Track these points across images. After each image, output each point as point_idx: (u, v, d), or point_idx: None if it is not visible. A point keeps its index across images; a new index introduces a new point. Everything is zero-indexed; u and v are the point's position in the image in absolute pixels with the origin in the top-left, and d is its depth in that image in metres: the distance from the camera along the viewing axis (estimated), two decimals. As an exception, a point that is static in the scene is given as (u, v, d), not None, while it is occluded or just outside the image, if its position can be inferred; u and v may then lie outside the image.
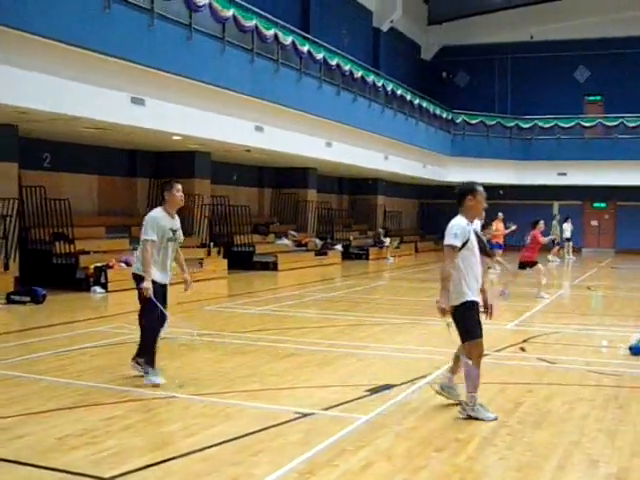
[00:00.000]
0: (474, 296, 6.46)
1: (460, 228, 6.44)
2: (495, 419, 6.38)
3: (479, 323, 6.50)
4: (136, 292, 7.69)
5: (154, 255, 7.55)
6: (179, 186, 7.74)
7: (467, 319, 6.45)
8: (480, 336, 6.48)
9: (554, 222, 30.95)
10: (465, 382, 6.50)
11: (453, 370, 6.92)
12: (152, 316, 7.53)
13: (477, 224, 22.15)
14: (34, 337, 10.49)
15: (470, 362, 6.44)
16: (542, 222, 16.42)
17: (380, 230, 31.04)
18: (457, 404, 6.66)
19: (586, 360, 9.31)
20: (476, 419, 6.36)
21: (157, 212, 7.68)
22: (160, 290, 7.60)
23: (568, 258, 30.66)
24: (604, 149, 34.69)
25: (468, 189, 6.68)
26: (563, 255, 30.84)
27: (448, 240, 6.40)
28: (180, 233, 7.83)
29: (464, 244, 6.41)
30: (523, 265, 16.01)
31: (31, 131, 16.22)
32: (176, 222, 7.78)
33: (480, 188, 6.65)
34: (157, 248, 7.57)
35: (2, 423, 6.13)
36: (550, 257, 29.25)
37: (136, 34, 14.81)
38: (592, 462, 5.41)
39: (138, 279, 7.61)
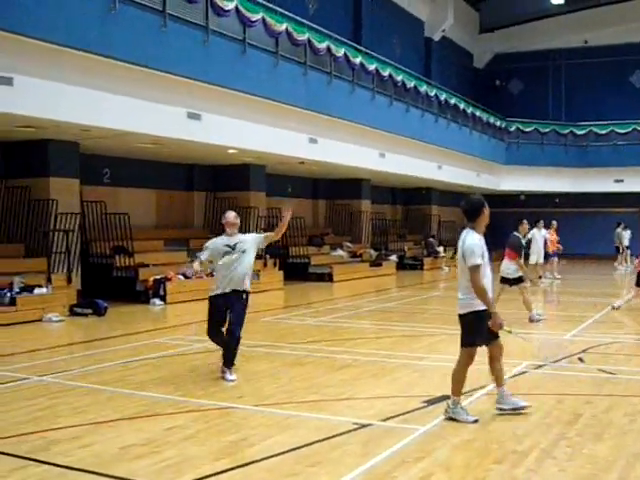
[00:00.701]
0: (483, 305, 6.61)
1: (478, 247, 6.66)
2: (475, 422, 6.54)
3: (483, 332, 6.67)
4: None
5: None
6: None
7: (473, 327, 6.68)
8: (478, 345, 6.77)
9: (618, 230, 30.19)
10: (452, 384, 6.75)
11: (497, 383, 7.03)
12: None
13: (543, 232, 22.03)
14: (97, 348, 10.76)
15: (458, 367, 6.79)
16: None
17: (431, 240, 30.85)
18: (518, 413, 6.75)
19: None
20: (456, 421, 6.54)
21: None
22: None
23: (626, 266, 29.92)
24: (662, 154, 33.95)
25: (481, 204, 6.92)
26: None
27: (473, 261, 6.58)
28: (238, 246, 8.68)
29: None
30: None
31: (92, 148, 16.63)
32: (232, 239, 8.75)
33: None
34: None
35: (68, 432, 6.31)
36: (616, 264, 28.78)
37: (191, 50, 15.09)
38: (654, 475, 5.34)
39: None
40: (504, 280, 13.75)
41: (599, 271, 28.52)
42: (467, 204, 6.95)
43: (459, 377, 6.77)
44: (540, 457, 5.70)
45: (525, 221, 15.23)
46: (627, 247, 30.86)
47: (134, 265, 16.86)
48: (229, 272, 8.51)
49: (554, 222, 23.09)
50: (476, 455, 5.75)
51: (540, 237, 22.03)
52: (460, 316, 6.78)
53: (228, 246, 8.61)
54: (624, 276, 26.17)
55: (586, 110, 37.22)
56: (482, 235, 6.87)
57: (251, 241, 8.84)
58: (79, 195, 16.25)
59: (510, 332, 6.71)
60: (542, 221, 22.60)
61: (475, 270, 6.56)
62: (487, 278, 6.72)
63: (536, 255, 21.89)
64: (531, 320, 13.38)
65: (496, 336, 6.78)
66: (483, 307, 6.60)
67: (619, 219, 31.33)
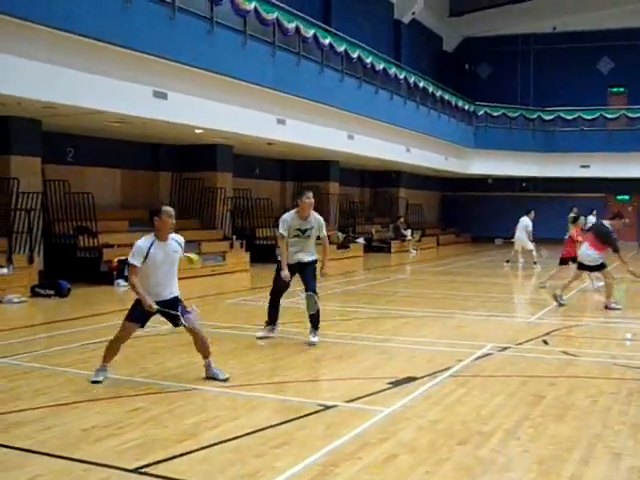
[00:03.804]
0: None
1: None
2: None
3: None
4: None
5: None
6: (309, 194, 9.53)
7: None
8: None
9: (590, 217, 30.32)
10: None
11: None
12: None
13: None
14: (59, 330, 10.60)
15: None
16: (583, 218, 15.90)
17: (399, 222, 30.93)
18: None
19: (610, 353, 9.25)
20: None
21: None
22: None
23: None
24: (628, 141, 34.29)
25: None
26: None
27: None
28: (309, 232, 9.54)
29: None
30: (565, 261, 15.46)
31: (55, 125, 16.34)
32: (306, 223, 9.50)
33: None
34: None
35: (29, 415, 6.20)
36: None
37: (158, 27, 14.85)
38: (615, 455, 5.38)
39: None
40: (582, 266, 13.45)
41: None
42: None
43: None
44: (504, 438, 5.73)
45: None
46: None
47: (98, 245, 16.66)
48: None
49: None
50: (440, 436, 5.75)
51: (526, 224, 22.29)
52: None
53: (299, 230, 9.44)
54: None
55: (554, 95, 37.49)
56: None
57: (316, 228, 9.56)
58: (41, 174, 15.98)
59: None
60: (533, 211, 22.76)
61: None
62: None
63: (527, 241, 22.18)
64: (607, 308, 12.95)
65: None
66: None
67: (586, 205, 31.69)
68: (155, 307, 7.26)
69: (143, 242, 7.39)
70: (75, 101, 13.54)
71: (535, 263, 21.76)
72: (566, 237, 15.96)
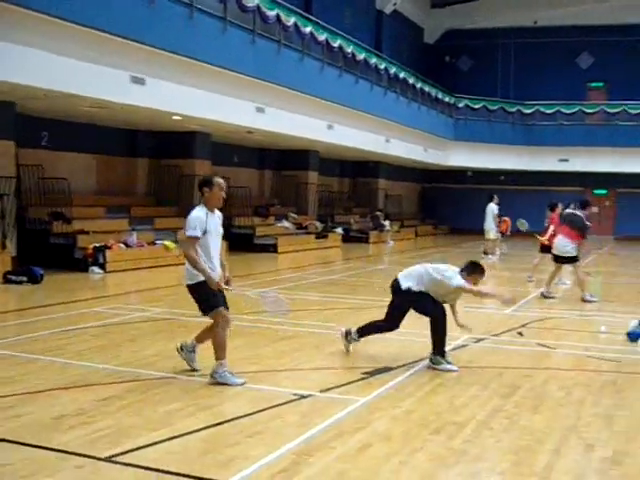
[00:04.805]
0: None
1: None
2: (243, 384, 6.75)
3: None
4: None
5: None
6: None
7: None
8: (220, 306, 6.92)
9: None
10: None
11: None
12: None
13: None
14: (32, 317, 10.47)
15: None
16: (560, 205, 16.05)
17: (378, 213, 30.96)
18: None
19: (584, 345, 9.31)
20: (225, 384, 6.73)
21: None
22: None
23: None
24: (606, 136, 34.54)
25: None
26: None
27: None
28: None
29: None
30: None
31: (30, 109, 16.12)
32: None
33: None
34: None
35: (0, 402, 6.12)
36: None
37: (137, 12, 14.69)
38: (588, 446, 5.41)
39: None
40: (557, 259, 13.66)
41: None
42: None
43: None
44: (477, 428, 5.74)
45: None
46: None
47: (73, 232, 16.49)
48: None
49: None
50: (414, 426, 5.76)
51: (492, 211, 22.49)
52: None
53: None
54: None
55: (533, 89, 37.63)
56: None
57: None
58: (15, 158, 15.74)
59: None
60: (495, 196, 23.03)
61: None
62: None
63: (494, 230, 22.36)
64: (584, 300, 13.19)
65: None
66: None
67: (565, 198, 31.87)
68: (224, 286, 6.96)
69: (199, 212, 6.93)
70: (50, 84, 13.35)
71: (486, 253, 21.98)
72: (546, 224, 16.11)
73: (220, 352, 6.91)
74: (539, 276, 15.72)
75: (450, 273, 7.72)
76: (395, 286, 8.03)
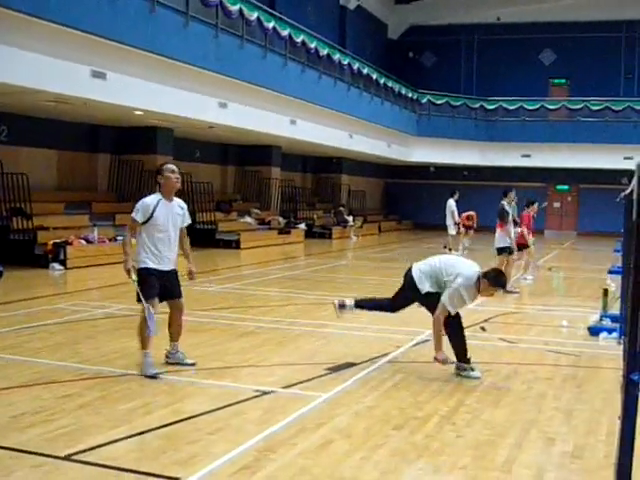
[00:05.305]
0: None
1: None
2: (154, 375, 6.78)
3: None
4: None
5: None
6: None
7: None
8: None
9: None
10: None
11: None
12: None
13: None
14: (-10, 314, 10.30)
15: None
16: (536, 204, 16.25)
17: (341, 208, 30.99)
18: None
19: (545, 340, 9.41)
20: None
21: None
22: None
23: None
24: (568, 132, 34.97)
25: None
26: None
27: None
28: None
29: None
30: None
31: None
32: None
33: None
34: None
35: (-45, 401, 6.01)
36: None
37: (97, 5, 14.50)
38: (548, 440, 5.46)
39: None
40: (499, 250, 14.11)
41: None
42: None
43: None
44: (439, 423, 5.76)
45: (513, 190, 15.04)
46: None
47: (33, 228, 16.25)
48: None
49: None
50: (376, 422, 5.76)
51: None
52: None
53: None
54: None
55: (497, 85, 37.95)
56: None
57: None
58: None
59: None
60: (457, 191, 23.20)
61: None
62: None
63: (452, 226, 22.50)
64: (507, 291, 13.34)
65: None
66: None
67: (524, 194, 32.16)
68: (134, 277, 6.95)
69: (150, 199, 7.01)
70: (9, 79, 13.12)
71: (446, 248, 22.16)
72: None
73: (143, 343, 6.98)
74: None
75: (450, 285, 7.11)
76: (410, 282, 7.44)
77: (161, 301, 7.17)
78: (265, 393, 6.43)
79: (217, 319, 10.09)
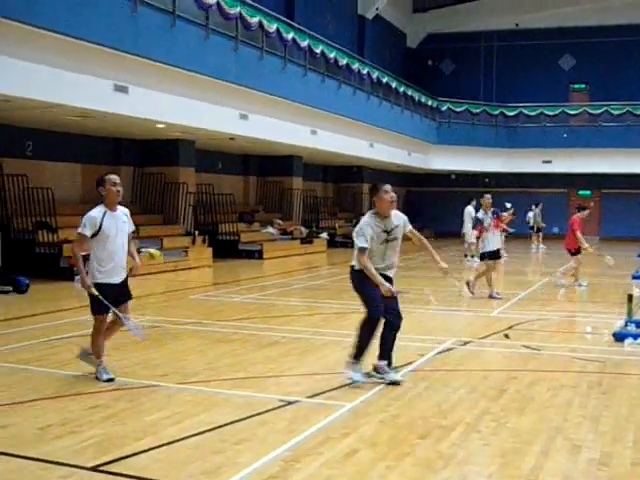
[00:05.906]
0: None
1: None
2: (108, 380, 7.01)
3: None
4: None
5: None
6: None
7: None
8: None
9: (537, 210, 30.49)
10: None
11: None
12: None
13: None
14: (17, 326, 10.41)
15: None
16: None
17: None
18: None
19: (570, 347, 9.35)
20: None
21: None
22: None
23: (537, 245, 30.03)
24: (589, 137, 34.76)
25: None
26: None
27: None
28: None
29: None
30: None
31: (13, 119, 16.05)
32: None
33: None
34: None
35: (-16, 413, 6.09)
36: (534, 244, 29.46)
37: (119, 21, 14.66)
38: (575, 447, 5.43)
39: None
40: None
41: (517, 249, 29.06)
42: None
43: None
44: (465, 431, 5.75)
45: (487, 196, 15.08)
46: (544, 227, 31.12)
47: (58, 241, 16.41)
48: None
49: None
50: (401, 431, 5.76)
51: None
52: None
53: (385, 232, 7.64)
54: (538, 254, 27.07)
55: (516, 92, 37.85)
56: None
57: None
58: (-1, 168, 15.72)
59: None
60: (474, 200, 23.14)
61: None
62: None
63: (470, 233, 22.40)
64: (490, 297, 13.78)
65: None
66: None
67: (546, 200, 32.02)
68: (95, 292, 7.05)
69: (95, 212, 7.17)
70: (34, 94, 13.30)
71: (467, 257, 22.07)
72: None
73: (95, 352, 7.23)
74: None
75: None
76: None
77: (116, 306, 7.25)
78: (290, 403, 6.45)
79: (241, 329, 10.13)
